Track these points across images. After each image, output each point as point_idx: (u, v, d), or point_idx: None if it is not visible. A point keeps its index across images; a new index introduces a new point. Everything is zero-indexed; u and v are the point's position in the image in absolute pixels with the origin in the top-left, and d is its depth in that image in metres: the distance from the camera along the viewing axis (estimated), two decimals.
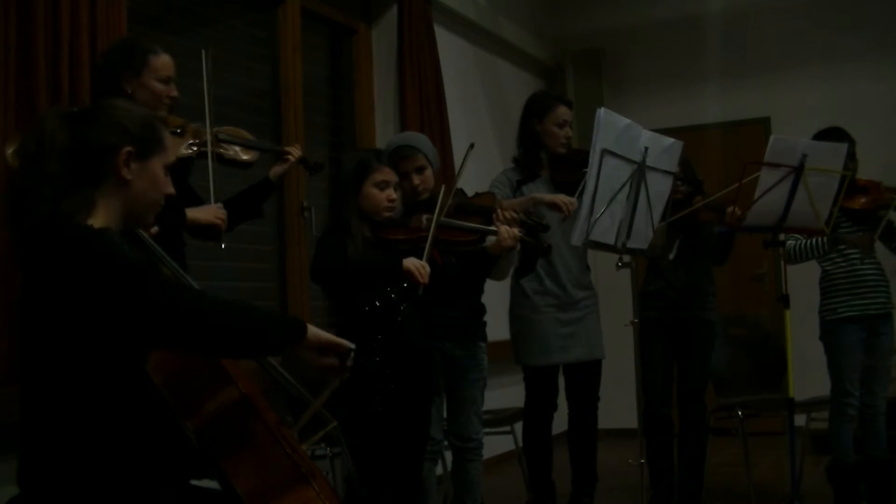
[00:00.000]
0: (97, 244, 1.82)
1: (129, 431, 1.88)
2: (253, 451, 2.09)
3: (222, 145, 3.25)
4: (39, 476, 1.84)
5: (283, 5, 4.76)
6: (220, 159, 3.24)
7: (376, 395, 3.12)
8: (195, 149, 3.16)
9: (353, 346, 2.08)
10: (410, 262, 3.03)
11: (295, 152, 3.47)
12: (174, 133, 3.05)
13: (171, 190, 2.06)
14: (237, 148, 3.32)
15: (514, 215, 3.26)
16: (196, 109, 3.23)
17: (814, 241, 4.21)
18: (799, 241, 4.24)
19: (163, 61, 3.00)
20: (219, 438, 2.08)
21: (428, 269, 3.04)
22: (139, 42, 3.04)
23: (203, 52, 3.24)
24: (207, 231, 3.16)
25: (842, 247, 4.24)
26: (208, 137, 3.15)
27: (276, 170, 3.45)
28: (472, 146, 3.31)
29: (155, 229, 2.43)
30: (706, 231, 4.26)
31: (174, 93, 3.03)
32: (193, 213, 3.07)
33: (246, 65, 4.66)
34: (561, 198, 3.81)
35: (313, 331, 2.00)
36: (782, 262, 4.12)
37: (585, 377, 4.22)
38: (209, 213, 3.12)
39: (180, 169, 3.03)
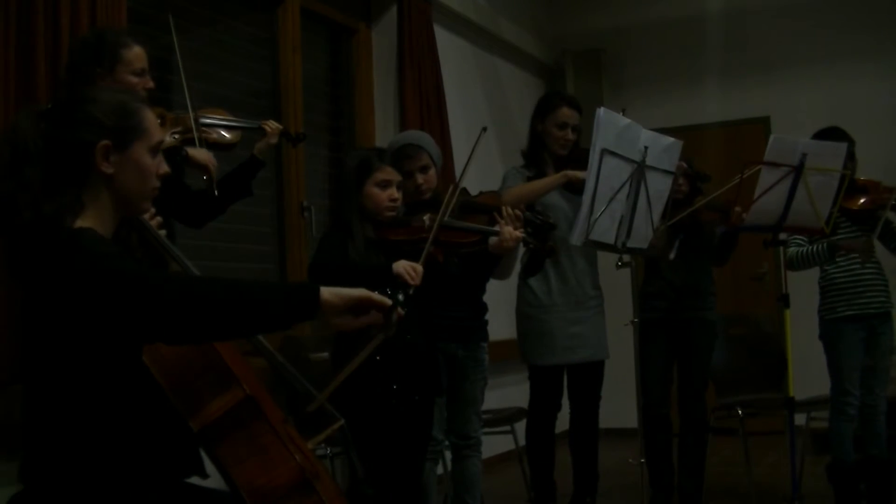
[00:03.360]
0: (75, 245, 1.80)
1: (131, 429, 1.87)
2: (257, 452, 2.08)
3: (205, 129, 3.20)
4: (42, 473, 1.84)
5: (283, 5, 4.77)
6: (205, 144, 3.18)
7: (379, 395, 3.11)
8: (177, 137, 3.10)
9: (400, 296, 1.91)
10: (401, 265, 2.98)
11: (273, 125, 3.44)
12: None
13: (164, 170, 1.99)
14: (221, 130, 3.29)
15: (519, 213, 3.25)
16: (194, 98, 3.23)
17: (814, 248, 4.19)
18: (800, 249, 4.22)
19: (135, 53, 2.90)
20: (223, 439, 2.07)
21: (420, 270, 2.98)
22: (108, 35, 2.92)
23: (170, 18, 3.21)
24: (198, 200, 3.21)
25: (841, 254, 4.23)
26: (190, 112, 3.12)
27: (261, 145, 3.42)
28: (484, 129, 3.26)
29: (159, 219, 2.42)
30: (707, 231, 4.26)
31: (150, 84, 2.94)
32: (193, 152, 3.07)
33: (246, 65, 4.66)
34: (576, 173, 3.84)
35: (334, 291, 1.83)
36: (782, 262, 4.12)
37: (589, 377, 4.22)
38: (206, 154, 3.12)
39: (168, 160, 3.01)
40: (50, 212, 1.82)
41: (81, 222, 1.86)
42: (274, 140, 3.46)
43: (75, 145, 1.87)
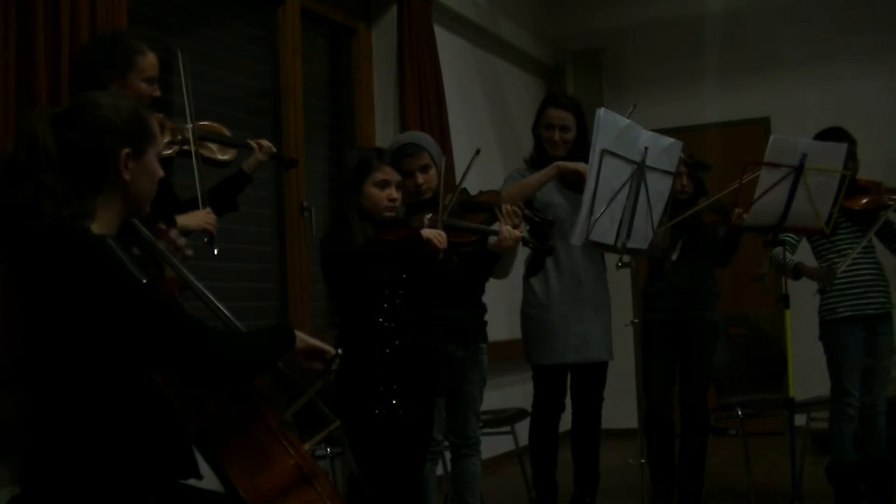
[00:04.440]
0: (101, 255, 1.81)
1: (130, 431, 1.88)
2: (255, 452, 2.08)
3: (202, 143, 3.17)
4: (41, 475, 1.84)
5: (283, 5, 4.76)
6: (200, 158, 3.13)
7: (380, 395, 3.11)
8: (175, 148, 3.08)
9: (339, 351, 2.21)
10: (428, 231, 3.02)
11: (264, 144, 3.42)
12: None
13: (161, 173, 2.03)
14: (215, 147, 3.26)
15: (518, 210, 3.25)
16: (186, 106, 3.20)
17: (786, 260, 4.14)
18: (776, 253, 4.19)
19: (149, 61, 2.90)
20: (221, 438, 2.07)
21: (445, 235, 3.03)
22: (124, 39, 2.91)
23: (178, 52, 3.18)
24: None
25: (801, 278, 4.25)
26: (191, 138, 3.08)
27: (249, 161, 3.39)
28: (478, 152, 3.28)
29: (184, 240, 2.44)
30: (709, 232, 4.26)
31: (157, 92, 2.94)
32: (183, 220, 2.98)
33: (246, 65, 4.65)
34: (584, 166, 3.69)
35: (300, 336, 2.13)
36: None
37: (591, 377, 4.22)
38: (199, 218, 3.06)
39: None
40: (67, 214, 1.83)
41: (94, 226, 1.87)
42: (262, 157, 3.41)
43: (98, 152, 1.89)
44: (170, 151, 3.05)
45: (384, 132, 5.33)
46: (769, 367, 4.93)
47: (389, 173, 3.20)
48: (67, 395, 1.83)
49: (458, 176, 3.53)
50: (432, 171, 3.47)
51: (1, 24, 3.07)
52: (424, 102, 5.31)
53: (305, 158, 4.81)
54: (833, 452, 4.33)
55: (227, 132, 3.37)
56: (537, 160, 4.18)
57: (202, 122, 3.28)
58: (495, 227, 3.21)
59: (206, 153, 3.23)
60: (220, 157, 3.28)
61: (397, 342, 3.12)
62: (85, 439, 1.83)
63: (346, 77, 5.38)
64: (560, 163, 3.96)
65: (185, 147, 3.11)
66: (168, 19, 4.11)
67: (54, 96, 3.15)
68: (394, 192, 3.19)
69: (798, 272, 4.23)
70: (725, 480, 5.15)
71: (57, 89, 3.17)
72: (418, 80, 5.30)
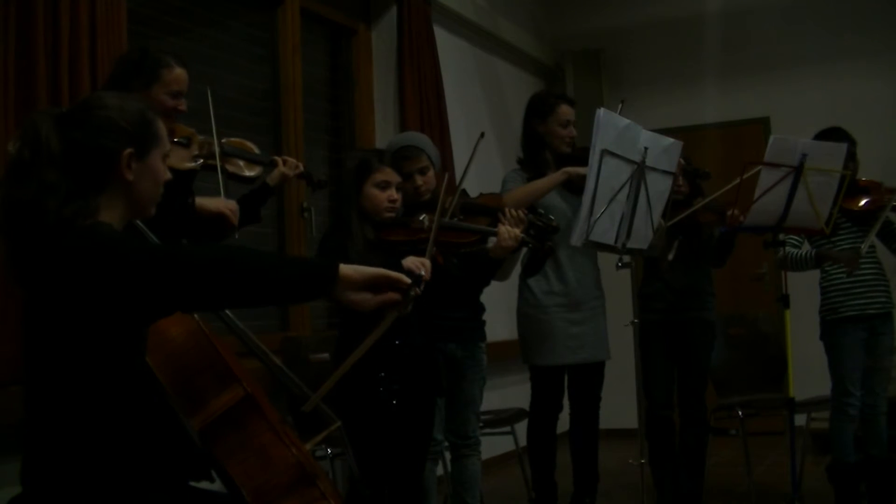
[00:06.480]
0: (95, 233, 1.82)
1: (133, 431, 1.87)
2: (257, 451, 2.09)
3: (228, 159, 3.20)
4: (42, 474, 1.84)
5: (283, 6, 4.77)
6: (224, 173, 3.17)
7: (380, 395, 3.11)
8: (200, 161, 3.10)
9: (420, 273, 1.92)
10: (410, 261, 2.95)
11: (290, 160, 3.40)
12: (180, 144, 3.02)
13: (168, 176, 2.02)
14: (241, 163, 3.28)
15: (522, 216, 3.25)
16: (201, 112, 3.22)
17: (803, 254, 4.22)
18: (790, 253, 4.22)
19: (175, 75, 2.92)
20: (223, 437, 2.08)
21: (429, 264, 2.98)
22: (153, 52, 2.95)
23: (208, 90, 3.21)
24: (215, 223, 3.13)
25: (827, 265, 4.24)
26: (216, 151, 3.11)
27: (274, 175, 3.39)
28: (482, 135, 3.28)
29: None
30: (705, 232, 4.26)
31: (183, 107, 2.96)
32: (201, 201, 3.03)
33: (245, 65, 4.66)
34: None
35: (354, 267, 1.86)
36: None
37: (589, 378, 4.22)
38: (218, 202, 3.07)
39: (184, 181, 2.98)
40: (69, 213, 1.84)
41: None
42: (288, 172, 3.37)
43: (99, 152, 1.89)
44: (195, 164, 3.07)
45: (384, 133, 5.33)
46: (769, 367, 4.93)
47: (389, 174, 3.21)
48: (69, 394, 1.83)
49: (460, 170, 3.53)
50: (430, 173, 3.47)
51: (1, 24, 3.08)
52: (424, 103, 5.32)
53: (305, 159, 4.81)
54: (833, 452, 4.33)
55: (255, 149, 3.38)
56: (533, 159, 4.18)
57: (230, 139, 3.30)
58: (493, 228, 3.21)
59: (232, 168, 3.25)
60: (246, 173, 3.30)
61: (397, 342, 3.13)
62: (88, 438, 1.83)
63: (346, 77, 5.39)
64: (570, 168, 3.94)
65: (211, 161, 3.12)
66: (168, 19, 4.11)
67: (54, 96, 3.15)
68: (394, 193, 3.20)
69: (821, 258, 4.21)
70: (725, 480, 5.15)
71: (57, 90, 3.17)
72: (418, 80, 5.30)
